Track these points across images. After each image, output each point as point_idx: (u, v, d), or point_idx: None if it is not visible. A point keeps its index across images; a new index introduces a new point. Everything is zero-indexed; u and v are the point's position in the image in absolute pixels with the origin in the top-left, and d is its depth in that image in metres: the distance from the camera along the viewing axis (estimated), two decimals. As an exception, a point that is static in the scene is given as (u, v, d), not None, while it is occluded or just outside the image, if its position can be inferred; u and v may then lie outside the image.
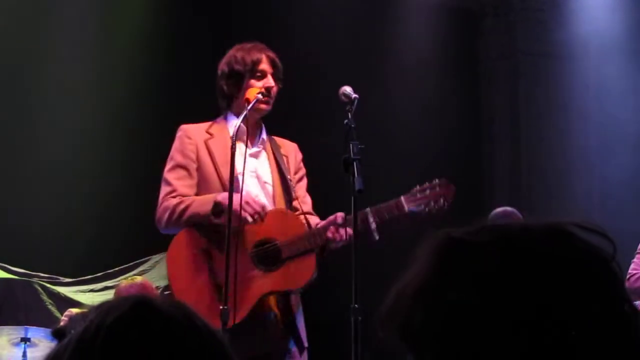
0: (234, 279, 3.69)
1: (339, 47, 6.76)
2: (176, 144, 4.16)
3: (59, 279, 6.34)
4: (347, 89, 3.91)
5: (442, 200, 3.97)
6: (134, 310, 1.13)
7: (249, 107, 3.99)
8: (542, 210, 6.55)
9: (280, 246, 3.94)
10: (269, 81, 4.10)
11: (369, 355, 3.78)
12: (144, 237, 6.45)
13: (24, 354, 4.75)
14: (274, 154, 4.18)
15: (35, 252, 6.29)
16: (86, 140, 6.68)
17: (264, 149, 4.18)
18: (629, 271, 4.84)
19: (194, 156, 4.10)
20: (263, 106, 4.08)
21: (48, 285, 6.25)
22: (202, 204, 3.94)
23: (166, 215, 4.03)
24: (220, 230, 3.84)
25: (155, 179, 6.33)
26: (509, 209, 5.38)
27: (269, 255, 3.95)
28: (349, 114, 3.81)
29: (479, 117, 7.27)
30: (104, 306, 1.14)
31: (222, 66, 4.18)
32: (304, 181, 4.27)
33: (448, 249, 1.09)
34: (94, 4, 6.94)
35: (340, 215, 3.96)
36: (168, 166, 4.15)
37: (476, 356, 1.03)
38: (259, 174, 4.14)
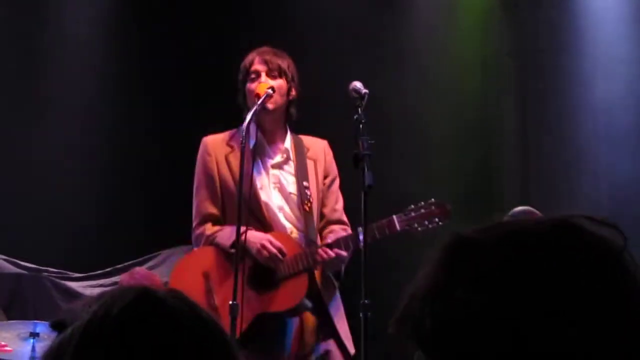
0: (230, 300, 3.78)
1: (350, 44, 6.73)
2: (198, 160, 4.23)
3: (68, 274, 6.34)
4: (358, 84, 3.91)
5: (436, 219, 3.99)
6: (139, 300, 1.12)
7: (259, 102, 3.98)
8: (552, 206, 6.52)
9: (275, 268, 3.95)
10: (262, 79, 4.09)
11: (378, 350, 3.77)
12: (154, 233, 6.47)
13: (33, 349, 4.75)
14: (298, 162, 4.17)
15: (45, 247, 6.29)
16: (97, 134, 6.68)
17: (289, 158, 4.17)
18: None
19: (214, 174, 4.15)
20: (267, 105, 4.07)
21: (57, 280, 6.25)
22: (226, 238, 4.02)
23: (199, 244, 4.16)
24: (221, 253, 4.02)
25: (167, 175, 6.37)
26: (528, 208, 5.33)
27: (264, 277, 3.99)
28: (359, 110, 3.80)
29: (488, 114, 7.25)
30: (106, 297, 1.12)
31: None
32: (335, 184, 4.25)
33: (456, 248, 1.07)
34: (101, 6, 6.96)
35: (330, 236, 4.04)
36: (195, 185, 4.23)
37: (488, 355, 1.01)
38: (282, 185, 4.13)
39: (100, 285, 6.22)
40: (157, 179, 6.57)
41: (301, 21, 6.77)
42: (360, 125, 3.73)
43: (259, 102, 3.98)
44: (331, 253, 3.92)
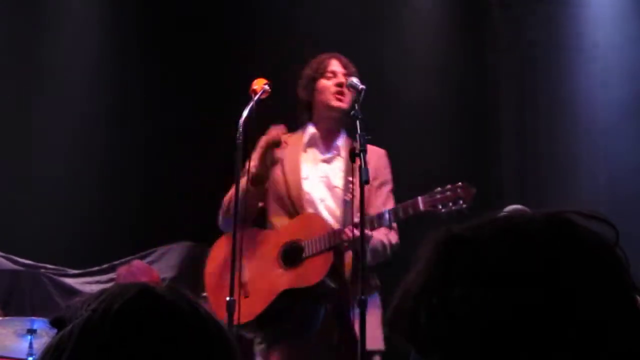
0: (258, 276, 4.01)
1: (342, 39, 6.72)
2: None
3: (65, 270, 6.34)
4: (354, 80, 3.91)
5: (461, 202, 3.91)
6: (138, 297, 1.13)
7: (255, 98, 3.98)
8: (550, 200, 6.52)
9: (303, 245, 3.99)
10: (340, 78, 4.13)
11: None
12: (151, 229, 6.46)
13: (30, 346, 4.74)
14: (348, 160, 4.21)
15: (42, 244, 6.28)
16: (94, 130, 6.67)
17: (339, 155, 4.21)
18: None
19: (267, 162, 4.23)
20: (336, 103, 4.14)
21: (55, 277, 6.24)
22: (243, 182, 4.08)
23: (223, 208, 4.17)
24: (257, 233, 4.12)
25: (165, 171, 6.37)
26: (519, 207, 5.32)
27: (293, 255, 4.03)
28: (356, 105, 3.80)
29: (486, 107, 7.25)
30: (105, 294, 1.13)
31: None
32: (385, 188, 4.24)
33: (450, 245, 1.07)
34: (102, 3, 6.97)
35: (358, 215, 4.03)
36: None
37: (484, 353, 1.01)
38: (329, 179, 4.18)
39: (98, 282, 6.22)
40: (155, 175, 6.57)
41: (298, 16, 6.76)
42: (357, 122, 3.73)
43: (255, 99, 3.99)
44: (357, 232, 3.91)
